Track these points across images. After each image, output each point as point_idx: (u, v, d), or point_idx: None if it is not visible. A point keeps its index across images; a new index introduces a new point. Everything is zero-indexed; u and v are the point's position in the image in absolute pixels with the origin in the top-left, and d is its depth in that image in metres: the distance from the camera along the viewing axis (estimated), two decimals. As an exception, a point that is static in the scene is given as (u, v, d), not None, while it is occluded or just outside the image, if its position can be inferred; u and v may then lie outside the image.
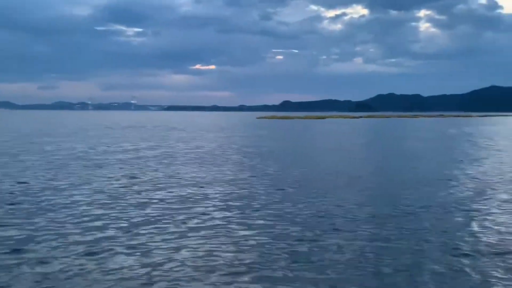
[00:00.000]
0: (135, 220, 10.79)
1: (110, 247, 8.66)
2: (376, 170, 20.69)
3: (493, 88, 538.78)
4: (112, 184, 15.91)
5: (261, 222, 10.73)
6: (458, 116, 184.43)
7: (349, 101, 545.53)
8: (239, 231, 9.90)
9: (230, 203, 12.80)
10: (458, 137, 46.51)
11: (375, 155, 28.79)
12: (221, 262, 7.94)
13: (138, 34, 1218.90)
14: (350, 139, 45.43)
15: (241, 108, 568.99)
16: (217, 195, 13.92)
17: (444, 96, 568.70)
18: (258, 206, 12.44)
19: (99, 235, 9.50)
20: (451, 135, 51.98)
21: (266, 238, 9.37)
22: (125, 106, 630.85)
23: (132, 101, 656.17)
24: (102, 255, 8.21)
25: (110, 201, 12.83)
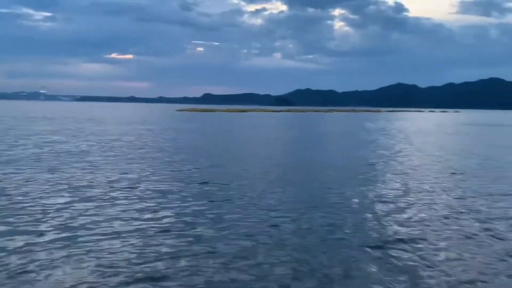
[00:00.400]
0: (41, 223, 9.57)
1: (14, 252, 7.54)
2: (297, 164, 20.82)
3: (399, 86, 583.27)
4: (16, 184, 14.14)
5: (178, 220, 10.10)
6: (369, 111, 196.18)
7: (269, 95, 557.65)
8: (154, 233, 9.17)
9: (146, 202, 11.95)
10: (376, 131, 49.10)
11: (298, 149, 29.21)
12: (130, 267, 7.25)
13: (47, 19, 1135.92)
14: (271, 132, 45.93)
15: (160, 100, 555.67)
16: (135, 193, 12.94)
17: (356, 92, 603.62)
18: (176, 204, 11.72)
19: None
20: (369, 129, 54.76)
21: (182, 239, 8.77)
22: (33, 95, 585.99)
23: (41, 91, 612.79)
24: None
25: (13, 203, 11.32)
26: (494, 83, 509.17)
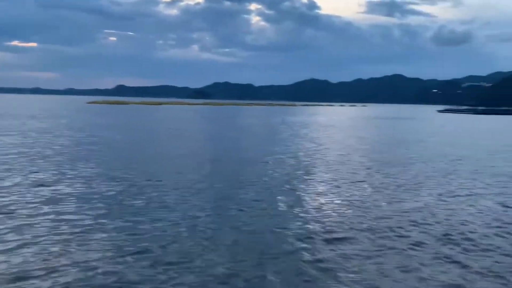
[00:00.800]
0: None
1: None
2: (216, 159, 20.81)
3: (312, 81, 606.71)
4: None
5: (93, 222, 9.68)
6: (284, 105, 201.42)
7: (187, 88, 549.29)
8: (68, 236, 8.68)
9: (58, 203, 11.27)
10: (293, 125, 50.65)
11: (217, 144, 29.20)
12: (41, 276, 6.78)
13: None
14: (190, 126, 45.41)
15: (69, 92, 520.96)
16: (44, 194, 12.12)
17: (272, 86, 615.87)
18: (88, 204, 11.22)
19: None
20: (286, 122, 56.28)
21: (98, 242, 8.42)
22: None
23: None
24: None
25: None
26: (397, 79, 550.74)
